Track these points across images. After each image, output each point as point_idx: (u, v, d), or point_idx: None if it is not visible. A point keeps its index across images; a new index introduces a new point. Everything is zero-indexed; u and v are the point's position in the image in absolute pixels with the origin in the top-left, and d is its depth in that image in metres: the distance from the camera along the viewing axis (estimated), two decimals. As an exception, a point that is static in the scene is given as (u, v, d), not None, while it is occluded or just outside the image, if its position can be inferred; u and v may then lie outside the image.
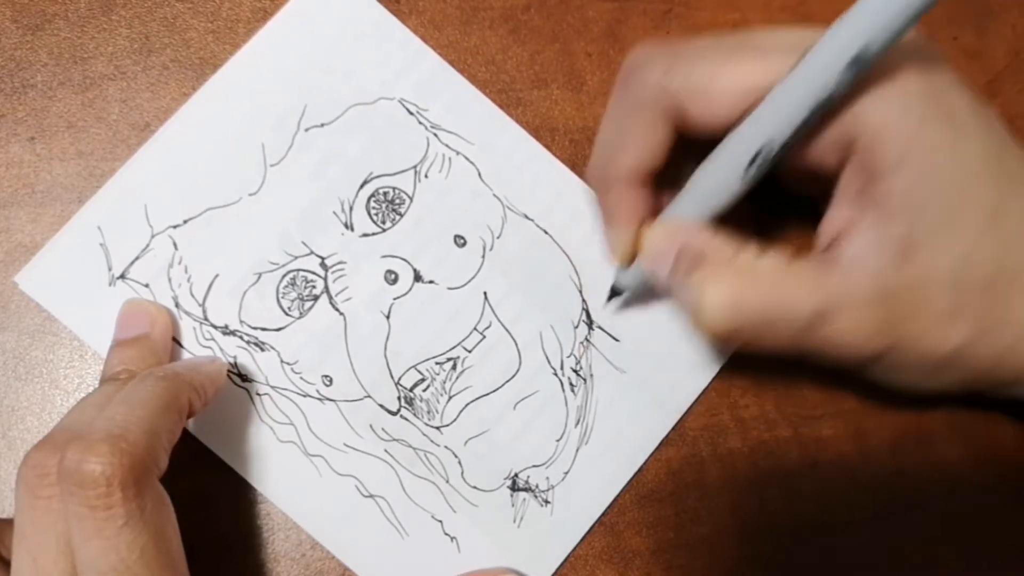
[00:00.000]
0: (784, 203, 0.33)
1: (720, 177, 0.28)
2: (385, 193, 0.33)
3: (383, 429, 0.32)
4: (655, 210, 0.30)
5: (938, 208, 0.25)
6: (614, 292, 0.33)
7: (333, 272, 0.32)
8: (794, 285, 0.27)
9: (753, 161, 0.26)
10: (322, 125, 0.33)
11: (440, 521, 0.32)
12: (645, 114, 0.28)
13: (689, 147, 0.29)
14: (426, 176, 0.33)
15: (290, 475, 0.31)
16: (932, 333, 0.26)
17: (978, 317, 0.26)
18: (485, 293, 0.33)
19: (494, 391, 0.32)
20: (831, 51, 0.24)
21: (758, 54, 0.26)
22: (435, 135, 0.33)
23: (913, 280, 0.26)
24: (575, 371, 0.33)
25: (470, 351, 0.32)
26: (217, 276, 0.32)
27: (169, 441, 0.26)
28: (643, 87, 0.28)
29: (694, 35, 0.35)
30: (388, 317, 0.32)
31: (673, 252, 0.28)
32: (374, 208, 0.33)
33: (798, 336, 0.27)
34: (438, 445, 0.32)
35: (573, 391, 0.33)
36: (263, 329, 0.32)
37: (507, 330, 0.33)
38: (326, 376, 0.32)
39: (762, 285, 0.27)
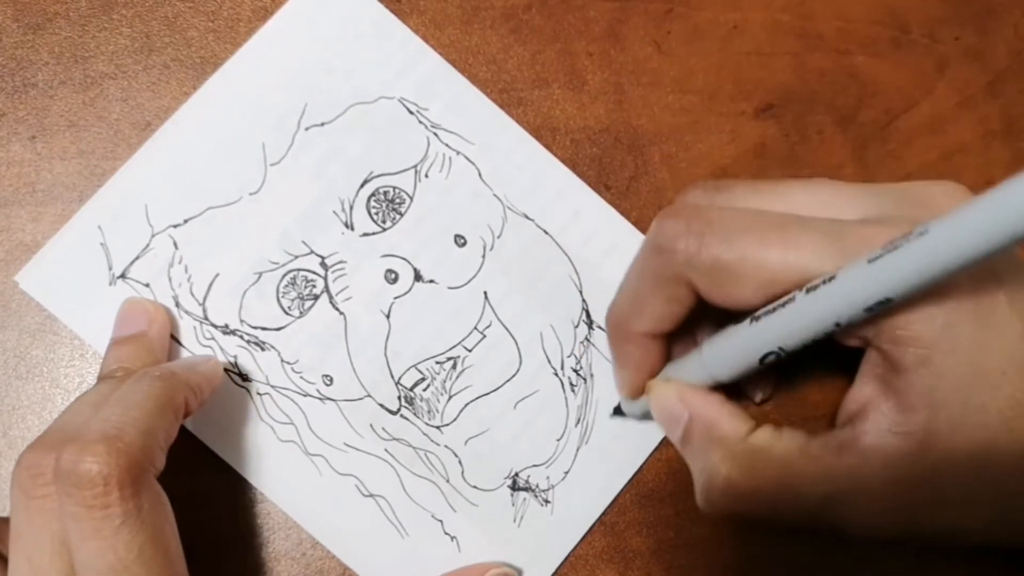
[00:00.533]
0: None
1: (731, 358, 0.28)
2: (385, 192, 0.33)
3: (383, 428, 0.32)
4: (666, 358, 0.31)
5: (958, 404, 0.25)
6: (618, 411, 0.33)
7: (333, 271, 0.32)
8: (807, 471, 0.27)
9: (764, 355, 0.26)
10: (322, 124, 0.33)
11: (440, 520, 0.32)
12: (668, 288, 0.28)
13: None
14: (426, 176, 0.33)
15: (290, 474, 0.31)
16: (945, 521, 0.26)
17: (996, 507, 0.26)
18: (485, 293, 0.33)
19: (494, 390, 0.32)
20: (848, 294, 0.24)
21: (788, 246, 0.26)
22: (435, 135, 0.33)
23: (927, 473, 0.26)
24: (575, 371, 0.33)
25: (470, 350, 0.32)
26: (217, 275, 0.32)
27: (165, 440, 0.26)
28: (670, 264, 0.28)
29: (699, 38, 0.35)
30: (388, 316, 0.32)
31: (684, 417, 0.29)
32: (374, 207, 0.33)
33: (809, 519, 0.27)
34: (438, 444, 0.32)
35: (573, 391, 0.33)
36: (263, 328, 0.32)
37: (507, 330, 0.33)
38: (326, 375, 0.32)
39: (773, 471, 0.27)
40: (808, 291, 0.25)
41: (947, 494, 0.26)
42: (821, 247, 0.25)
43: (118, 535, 0.23)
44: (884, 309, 0.23)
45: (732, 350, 0.28)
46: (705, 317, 0.30)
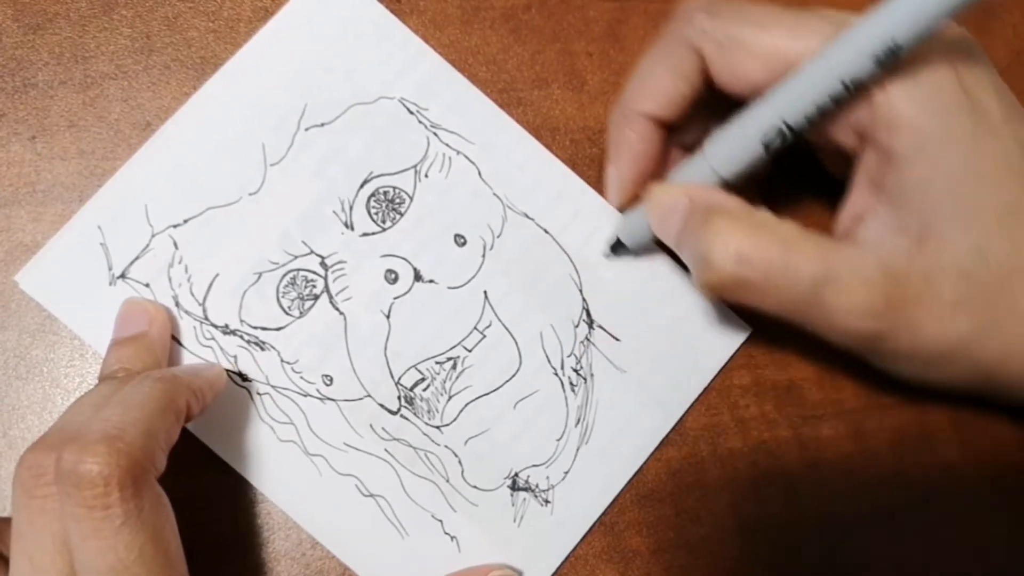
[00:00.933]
0: (815, 189, 0.33)
1: (733, 147, 0.28)
2: (385, 192, 0.33)
3: (383, 428, 0.32)
4: (661, 166, 0.31)
5: (954, 201, 0.25)
6: (616, 246, 0.32)
7: (333, 271, 0.32)
8: (807, 248, 0.27)
9: (767, 136, 0.26)
10: (322, 124, 0.33)
11: (440, 520, 0.32)
12: (678, 58, 0.28)
13: (709, 119, 0.29)
14: (426, 176, 0.33)
15: (290, 475, 0.31)
16: (935, 322, 0.26)
17: (985, 311, 0.26)
18: (485, 292, 0.33)
19: (494, 390, 0.32)
20: (857, 42, 0.24)
21: (798, 27, 0.27)
22: (435, 134, 0.33)
23: (922, 268, 0.26)
24: (575, 371, 0.33)
25: (470, 350, 0.32)
26: (217, 275, 0.32)
27: (167, 442, 0.26)
28: (685, 30, 0.28)
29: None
30: (388, 316, 0.32)
31: (683, 207, 0.28)
32: (374, 207, 0.33)
33: (800, 300, 0.27)
34: (438, 444, 0.32)
35: (573, 391, 0.33)
36: (263, 328, 0.32)
37: (507, 329, 0.33)
38: (326, 375, 0.32)
39: (775, 240, 0.27)
40: (812, 60, 0.25)
41: (939, 293, 0.26)
42: (832, 30, 0.26)
43: (118, 535, 0.23)
44: (893, 60, 0.23)
45: (735, 135, 0.27)
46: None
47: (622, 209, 0.32)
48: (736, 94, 0.28)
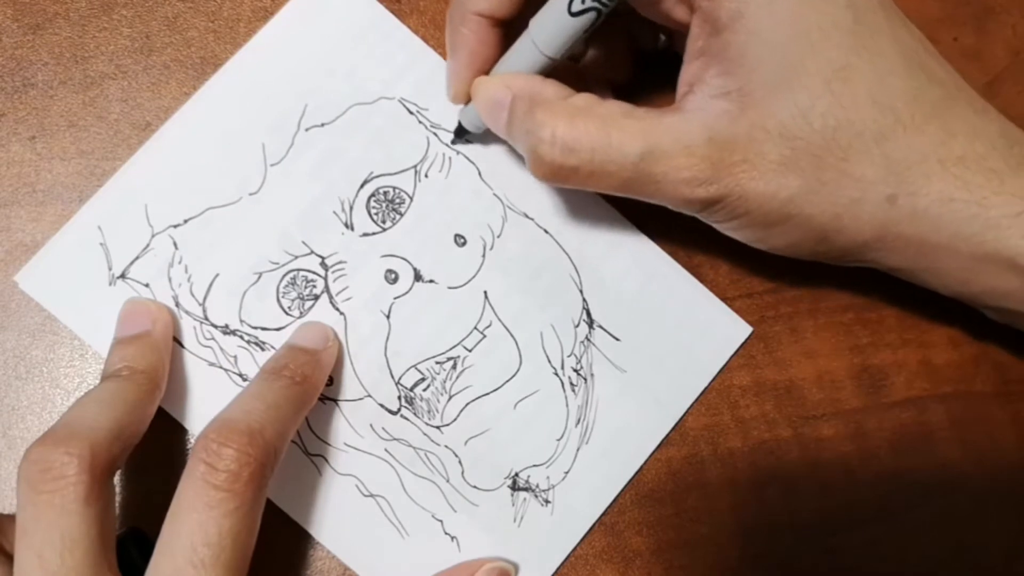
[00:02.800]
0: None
1: (550, 22, 0.28)
2: (385, 193, 0.33)
3: (383, 428, 0.32)
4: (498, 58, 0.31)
5: (776, 62, 0.26)
6: (460, 132, 0.33)
7: (333, 272, 0.32)
8: (628, 125, 0.27)
9: (572, 4, 0.26)
10: (322, 125, 0.33)
11: (440, 520, 0.32)
12: None
13: None
14: (426, 176, 0.33)
15: (290, 474, 0.31)
16: (762, 183, 0.27)
17: (813, 170, 0.26)
18: (485, 292, 0.33)
19: (494, 390, 0.32)
20: None
21: None
22: (435, 135, 0.33)
23: (746, 131, 0.26)
24: (575, 370, 0.33)
25: (470, 350, 0.32)
26: (217, 275, 0.32)
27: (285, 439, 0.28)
28: None
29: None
30: (388, 316, 0.32)
31: (507, 100, 0.29)
32: (374, 208, 0.33)
33: (630, 177, 0.27)
34: (438, 444, 0.32)
35: (574, 390, 0.33)
36: (263, 328, 0.32)
37: (507, 329, 0.33)
38: (328, 375, 0.32)
39: (595, 123, 0.27)
40: None
41: (764, 153, 0.26)
42: None
43: (227, 518, 0.25)
44: None
45: (551, 9, 0.28)
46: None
47: (460, 103, 0.32)
48: None
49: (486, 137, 0.33)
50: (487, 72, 0.31)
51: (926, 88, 0.26)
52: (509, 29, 0.30)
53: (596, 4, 0.26)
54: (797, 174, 0.26)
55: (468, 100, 0.31)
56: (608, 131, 0.27)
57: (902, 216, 0.27)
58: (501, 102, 0.29)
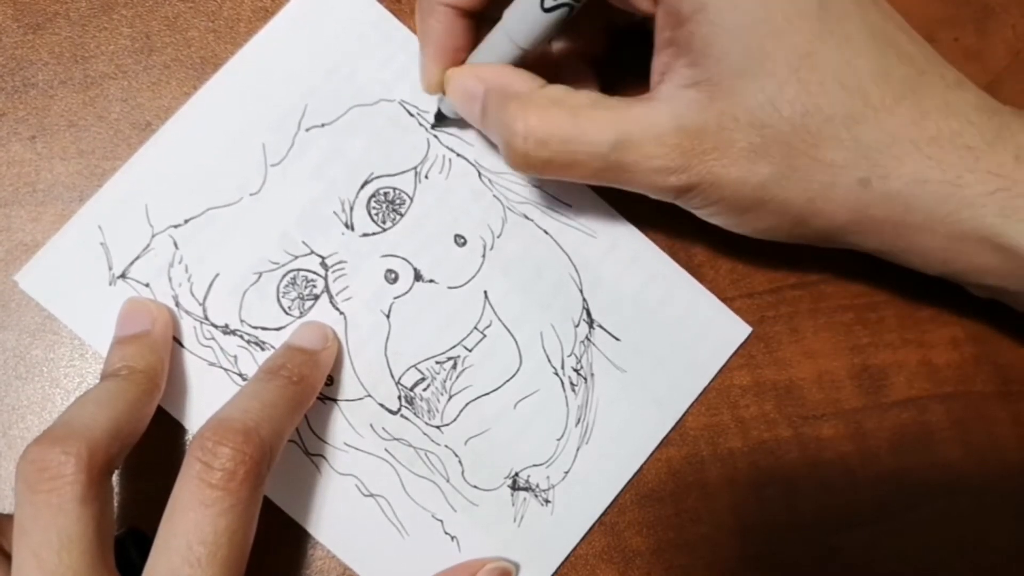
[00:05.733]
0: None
1: (522, 15, 0.28)
2: (386, 193, 0.33)
3: (383, 428, 0.32)
4: (468, 50, 0.31)
5: (741, 51, 0.26)
6: (439, 117, 0.33)
7: (333, 272, 0.32)
8: (598, 116, 0.27)
9: (545, 1, 0.27)
10: (323, 125, 0.33)
11: (440, 520, 0.32)
12: None
13: None
14: (426, 177, 0.33)
15: (290, 474, 0.31)
16: (733, 170, 0.27)
17: (784, 157, 0.26)
18: (485, 292, 0.33)
19: (495, 390, 0.32)
20: None
21: None
22: (436, 136, 0.33)
23: (715, 119, 0.26)
24: (575, 370, 0.33)
25: (470, 350, 0.32)
26: (217, 275, 0.32)
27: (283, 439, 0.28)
28: None
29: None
30: (388, 316, 0.32)
31: (480, 92, 0.29)
32: (375, 208, 0.33)
33: (602, 167, 0.27)
34: (438, 444, 0.32)
35: (574, 390, 0.33)
36: (263, 328, 0.32)
37: (507, 329, 0.33)
38: (327, 375, 0.32)
39: (566, 115, 0.27)
40: None
41: (733, 141, 0.26)
42: None
43: (221, 516, 0.25)
44: None
45: (521, 2, 0.28)
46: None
47: (433, 93, 0.33)
48: None
49: (465, 122, 0.33)
50: (460, 61, 0.31)
51: (895, 67, 0.26)
52: (478, 18, 0.30)
53: (568, 0, 0.27)
54: (768, 161, 0.26)
55: (443, 90, 0.31)
56: (579, 122, 0.27)
57: (875, 199, 0.27)
58: (474, 94, 0.29)
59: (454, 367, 0.32)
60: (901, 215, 0.27)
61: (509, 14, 0.29)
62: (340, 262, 0.32)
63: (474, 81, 0.29)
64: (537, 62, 0.30)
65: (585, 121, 0.27)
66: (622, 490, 0.33)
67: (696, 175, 0.27)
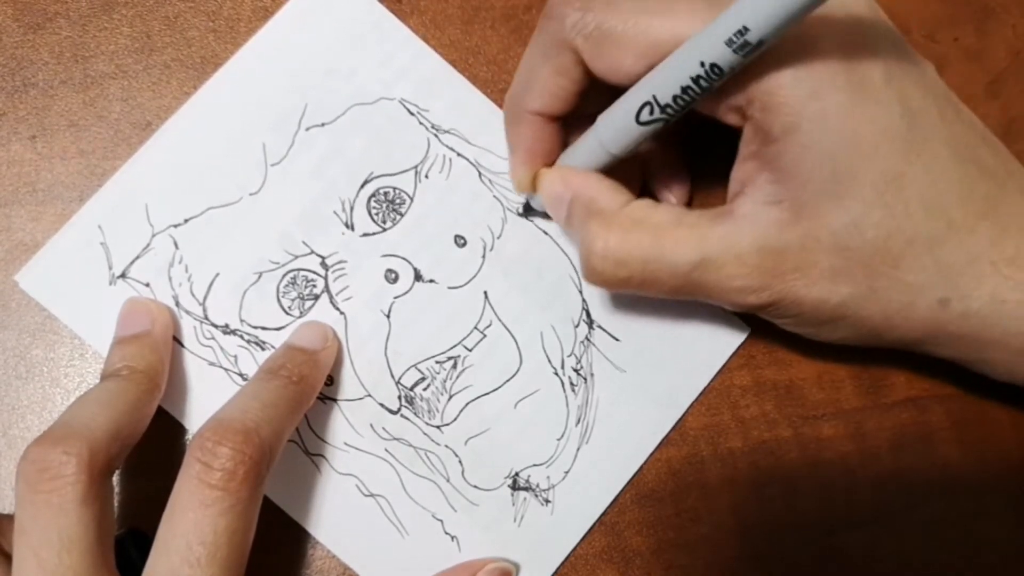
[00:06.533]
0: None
1: (616, 124, 0.28)
2: (386, 193, 0.33)
3: (384, 428, 0.32)
4: (560, 148, 0.31)
5: (827, 174, 0.25)
6: (528, 210, 0.33)
7: (333, 271, 0.32)
8: (680, 236, 0.27)
9: (641, 112, 0.27)
10: (323, 125, 0.33)
11: (441, 520, 0.32)
12: (556, 56, 0.28)
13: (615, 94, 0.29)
14: (427, 176, 0.33)
15: (290, 474, 0.31)
16: (814, 290, 0.27)
17: (864, 278, 0.26)
18: (485, 292, 0.33)
19: (495, 390, 0.32)
20: (715, 27, 0.24)
21: (668, 14, 0.26)
22: (436, 136, 0.33)
23: (796, 241, 0.26)
24: (575, 370, 0.33)
25: (470, 350, 0.32)
26: (218, 275, 0.32)
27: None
28: (558, 28, 0.28)
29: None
30: (388, 316, 0.32)
31: (567, 198, 0.29)
32: (375, 208, 0.33)
33: (681, 285, 0.28)
34: (439, 444, 0.32)
35: (574, 390, 0.33)
36: (263, 328, 0.32)
37: (507, 329, 0.33)
38: (327, 375, 0.32)
39: (647, 235, 0.27)
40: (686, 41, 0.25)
41: (815, 262, 0.26)
42: (702, 13, 0.25)
43: (221, 516, 0.25)
44: (746, 47, 0.23)
45: (617, 112, 0.28)
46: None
47: (523, 193, 0.33)
48: (617, 84, 0.28)
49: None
50: (550, 161, 0.31)
51: (978, 184, 0.26)
52: (566, 121, 0.30)
53: (664, 116, 0.26)
54: (848, 282, 0.26)
55: (534, 189, 0.31)
56: (661, 242, 0.27)
57: (953, 317, 0.27)
58: (561, 199, 0.29)
59: (454, 367, 0.32)
60: (977, 332, 0.27)
61: (602, 123, 0.28)
62: (340, 262, 0.32)
63: (562, 187, 0.29)
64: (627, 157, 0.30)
65: (667, 241, 0.27)
66: (622, 490, 0.33)
67: (776, 294, 0.27)
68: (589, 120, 0.29)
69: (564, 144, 0.31)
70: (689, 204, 0.34)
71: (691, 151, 0.33)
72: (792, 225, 0.26)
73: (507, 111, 0.31)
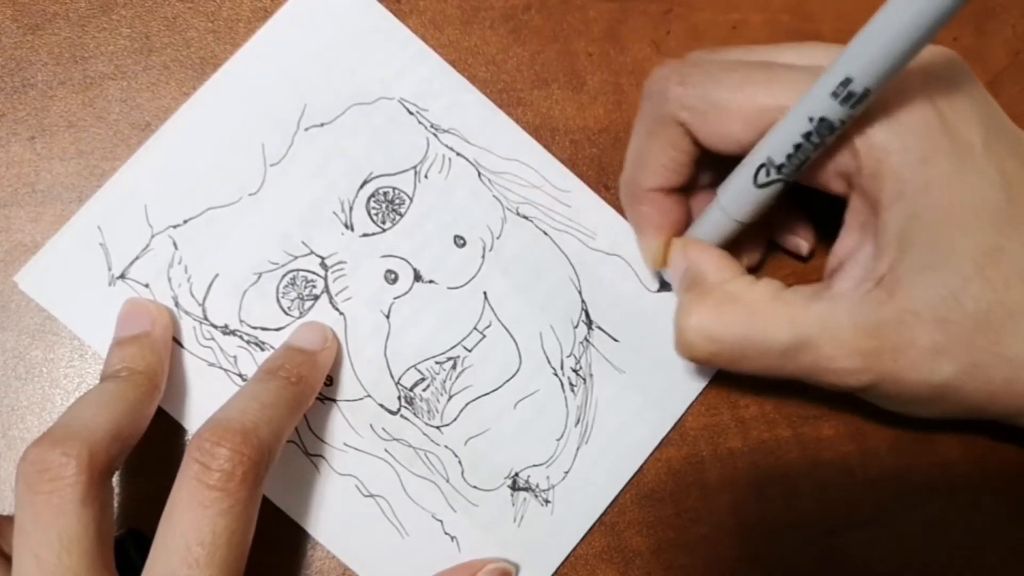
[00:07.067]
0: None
1: (734, 191, 0.28)
2: (385, 193, 0.33)
3: (383, 429, 0.32)
4: (685, 220, 0.31)
5: (927, 245, 0.25)
6: (663, 285, 0.34)
7: (333, 272, 0.32)
8: (774, 315, 0.27)
9: (758, 175, 0.27)
10: (322, 125, 0.33)
11: (440, 521, 0.32)
12: (663, 132, 0.29)
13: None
14: (426, 176, 0.33)
15: (290, 475, 0.31)
16: (916, 369, 0.26)
17: (966, 354, 0.26)
18: (485, 293, 0.33)
19: (494, 390, 0.32)
20: (821, 81, 0.24)
21: (771, 77, 0.27)
22: (435, 135, 0.33)
23: (894, 317, 0.26)
24: (575, 371, 0.33)
25: (470, 350, 0.32)
26: (217, 276, 0.32)
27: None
28: (661, 104, 0.28)
29: (698, 39, 0.35)
30: (388, 317, 0.32)
31: (684, 267, 0.29)
32: (374, 208, 0.33)
33: (775, 365, 0.27)
34: (438, 444, 0.32)
35: (573, 391, 0.33)
36: (263, 329, 0.32)
37: (507, 330, 0.33)
38: (326, 376, 0.32)
39: (742, 313, 0.27)
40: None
41: (914, 340, 0.26)
42: (803, 83, 0.25)
43: (220, 517, 0.25)
44: (851, 97, 0.24)
45: (735, 180, 0.28)
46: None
47: (657, 269, 0.33)
48: (727, 154, 0.28)
49: None
50: (677, 233, 0.31)
51: None
52: (686, 189, 0.31)
53: (780, 176, 0.27)
54: (950, 359, 0.26)
55: (665, 264, 0.32)
56: (754, 321, 0.27)
57: None
58: (678, 270, 0.30)
59: (454, 367, 0.32)
60: None
61: (723, 191, 0.29)
62: (340, 262, 0.32)
63: (680, 259, 0.30)
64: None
65: (760, 320, 0.27)
66: (622, 490, 0.33)
67: (876, 375, 0.26)
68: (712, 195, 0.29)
69: (689, 216, 0.31)
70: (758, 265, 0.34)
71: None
72: (888, 301, 0.26)
73: (625, 195, 0.31)
